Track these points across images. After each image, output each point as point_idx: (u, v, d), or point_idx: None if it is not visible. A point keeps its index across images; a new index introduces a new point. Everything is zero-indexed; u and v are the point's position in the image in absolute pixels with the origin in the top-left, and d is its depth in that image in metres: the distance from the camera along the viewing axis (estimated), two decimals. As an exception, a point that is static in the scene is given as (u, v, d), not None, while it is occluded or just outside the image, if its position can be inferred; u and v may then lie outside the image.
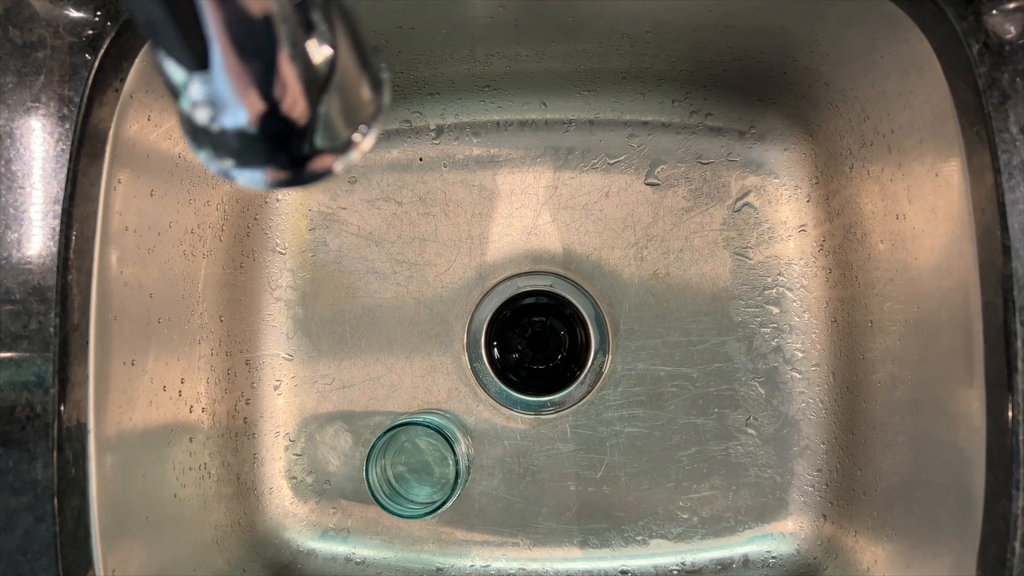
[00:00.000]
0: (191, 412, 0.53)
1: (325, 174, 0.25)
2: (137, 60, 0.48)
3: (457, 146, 0.60)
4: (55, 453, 0.43)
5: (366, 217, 0.60)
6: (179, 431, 0.52)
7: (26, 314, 0.44)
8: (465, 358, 0.59)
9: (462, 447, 0.55)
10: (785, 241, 0.58)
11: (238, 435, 0.58)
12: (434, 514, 0.52)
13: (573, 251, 0.59)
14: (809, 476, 0.57)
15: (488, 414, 0.59)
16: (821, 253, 0.58)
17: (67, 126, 0.45)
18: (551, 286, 0.59)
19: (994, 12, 0.44)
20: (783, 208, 0.58)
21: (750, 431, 0.58)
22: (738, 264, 0.58)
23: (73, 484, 0.44)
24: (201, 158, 0.25)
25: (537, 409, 0.58)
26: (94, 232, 0.46)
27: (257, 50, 0.21)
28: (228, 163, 0.24)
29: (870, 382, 0.54)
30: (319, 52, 0.23)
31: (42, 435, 0.43)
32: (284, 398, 0.60)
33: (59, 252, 0.44)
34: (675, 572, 0.57)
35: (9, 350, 0.43)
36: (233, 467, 0.57)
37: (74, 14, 0.46)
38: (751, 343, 0.58)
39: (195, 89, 0.22)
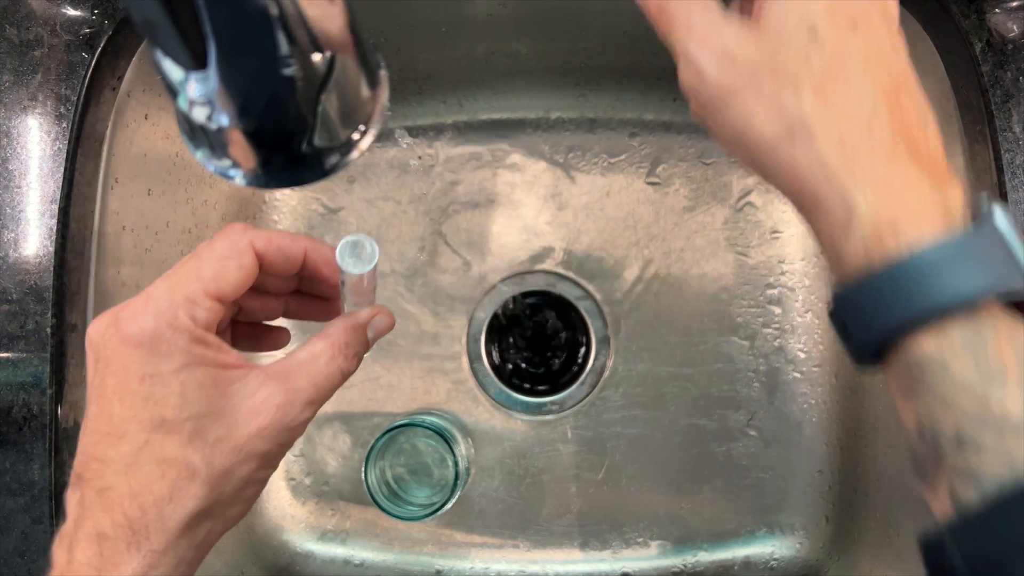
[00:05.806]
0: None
1: (324, 173, 0.25)
2: (134, 59, 0.48)
3: (456, 145, 0.60)
4: (52, 454, 0.43)
5: (365, 216, 0.60)
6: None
7: (23, 314, 0.43)
8: (465, 358, 0.59)
9: (461, 448, 0.54)
10: (787, 240, 0.58)
11: (236, 436, 0.58)
12: (433, 516, 0.52)
13: (573, 251, 0.59)
14: (811, 477, 0.57)
15: (488, 415, 0.58)
16: (824, 252, 0.57)
17: (64, 125, 0.45)
18: (551, 286, 0.59)
19: (997, 10, 0.44)
20: (785, 207, 0.58)
21: (752, 432, 0.57)
22: (740, 263, 0.58)
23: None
24: (198, 157, 0.25)
25: (537, 410, 0.58)
26: (91, 232, 0.46)
27: (255, 49, 0.21)
28: (226, 162, 0.24)
29: (873, 383, 0.53)
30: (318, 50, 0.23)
31: (39, 436, 0.43)
32: (283, 399, 0.60)
33: (56, 252, 0.44)
34: (676, 574, 0.57)
35: (6, 350, 0.43)
36: (231, 468, 0.57)
37: (71, 12, 0.46)
38: (753, 343, 0.58)
39: (193, 88, 0.22)
